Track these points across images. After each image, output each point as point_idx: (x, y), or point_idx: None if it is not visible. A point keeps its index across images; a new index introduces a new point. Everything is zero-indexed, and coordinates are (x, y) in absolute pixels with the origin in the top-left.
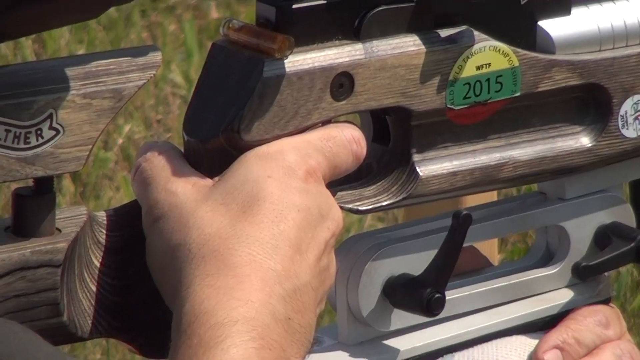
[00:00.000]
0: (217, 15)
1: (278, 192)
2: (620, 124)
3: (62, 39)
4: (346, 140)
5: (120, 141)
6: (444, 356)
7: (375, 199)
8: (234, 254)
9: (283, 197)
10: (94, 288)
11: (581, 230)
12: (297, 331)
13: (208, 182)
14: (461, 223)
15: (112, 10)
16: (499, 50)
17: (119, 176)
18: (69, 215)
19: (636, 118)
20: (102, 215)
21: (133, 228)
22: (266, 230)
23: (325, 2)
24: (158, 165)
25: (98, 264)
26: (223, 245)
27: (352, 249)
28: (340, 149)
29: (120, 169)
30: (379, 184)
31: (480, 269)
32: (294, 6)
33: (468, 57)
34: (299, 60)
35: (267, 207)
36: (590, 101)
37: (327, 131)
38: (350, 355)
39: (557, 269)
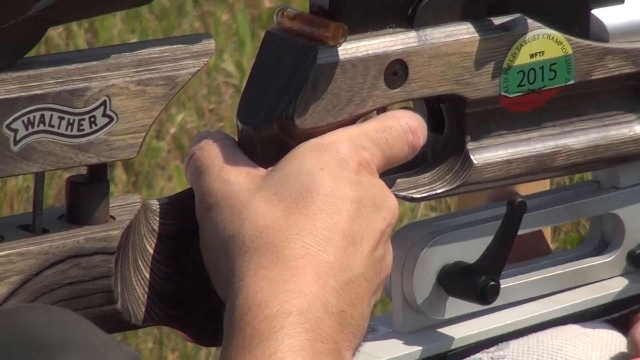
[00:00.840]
0: (270, 5)
1: (331, 184)
2: None
3: (115, 28)
4: (402, 131)
5: (172, 130)
6: (499, 344)
7: (429, 187)
8: (288, 246)
9: (336, 189)
10: (147, 276)
11: (636, 218)
12: (349, 323)
13: (261, 171)
14: (515, 210)
15: None
16: (553, 38)
17: (171, 165)
18: (123, 203)
19: None
20: (155, 204)
21: (187, 216)
22: (320, 223)
23: None
24: (212, 153)
25: (152, 252)
26: (277, 238)
27: (406, 238)
28: (395, 140)
29: (173, 158)
30: (433, 171)
31: (543, 255)
32: None
33: (522, 45)
34: (352, 48)
35: (321, 199)
36: None
37: (383, 122)
38: (404, 344)
39: (612, 257)
